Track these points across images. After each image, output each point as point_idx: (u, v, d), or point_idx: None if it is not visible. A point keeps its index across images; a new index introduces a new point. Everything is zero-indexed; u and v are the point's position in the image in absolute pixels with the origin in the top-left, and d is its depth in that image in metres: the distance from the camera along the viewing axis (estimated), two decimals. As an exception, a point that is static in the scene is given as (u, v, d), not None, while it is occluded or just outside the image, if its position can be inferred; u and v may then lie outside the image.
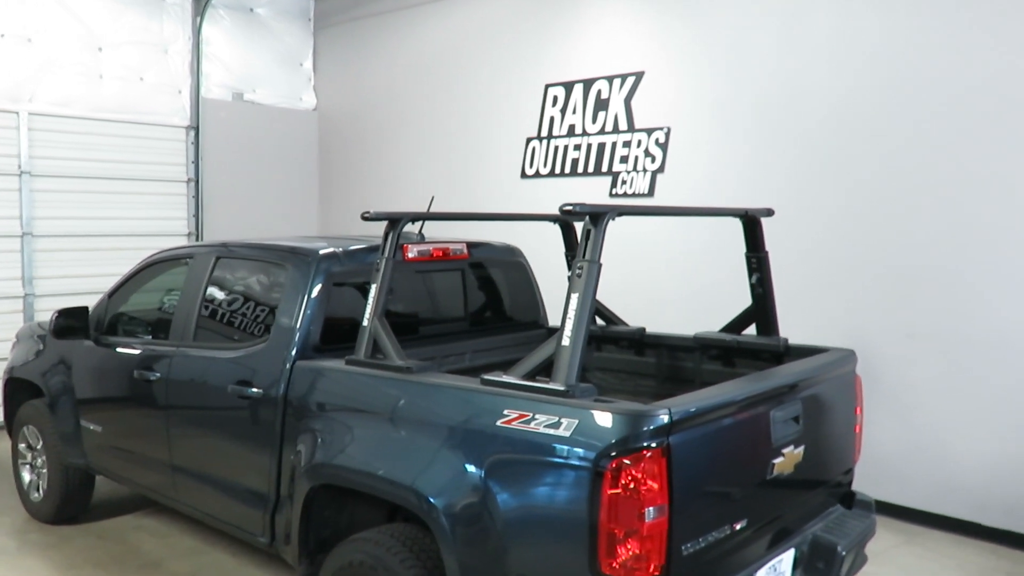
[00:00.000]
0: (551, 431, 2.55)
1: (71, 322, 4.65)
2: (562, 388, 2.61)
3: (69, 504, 5.09)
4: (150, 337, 4.47)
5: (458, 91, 8.07)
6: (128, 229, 8.15)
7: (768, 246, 3.78)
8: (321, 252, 3.68)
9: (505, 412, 2.68)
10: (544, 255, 5.10)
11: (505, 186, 7.59)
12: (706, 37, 6.24)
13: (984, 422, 5.02)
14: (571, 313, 2.67)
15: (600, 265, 2.71)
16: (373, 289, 3.37)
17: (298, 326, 3.53)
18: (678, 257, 6.35)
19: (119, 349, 4.53)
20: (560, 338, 2.67)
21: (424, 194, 8.18)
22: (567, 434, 2.52)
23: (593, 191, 6.87)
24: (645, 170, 6.59)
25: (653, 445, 2.41)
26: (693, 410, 2.53)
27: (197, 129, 8.65)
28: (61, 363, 4.91)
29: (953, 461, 5.13)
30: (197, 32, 8.60)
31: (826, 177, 5.59)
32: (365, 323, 3.34)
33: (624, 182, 6.72)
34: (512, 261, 4.56)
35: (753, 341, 3.77)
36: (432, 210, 4.06)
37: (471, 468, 2.71)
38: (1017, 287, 4.84)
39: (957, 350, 5.08)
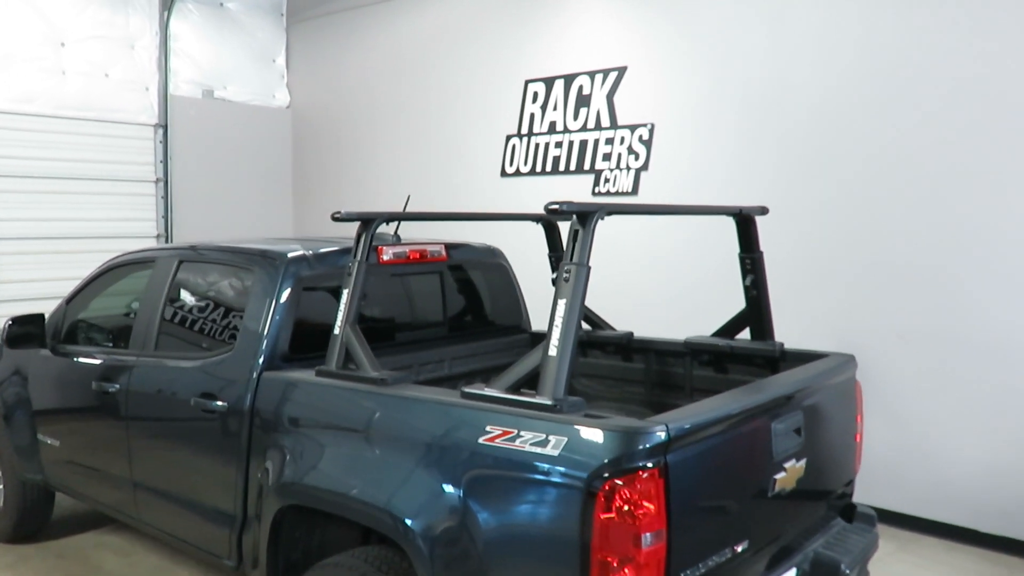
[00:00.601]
0: (537, 449, 2.35)
1: (26, 330, 4.38)
2: (549, 402, 2.41)
3: (27, 521, 4.82)
4: (111, 346, 4.22)
5: (436, 87, 7.86)
6: (94, 231, 7.85)
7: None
8: (290, 255, 3.46)
9: (488, 428, 2.48)
10: (527, 256, 4.90)
11: (485, 185, 7.39)
12: (690, 31, 6.07)
13: (979, 425, 4.88)
14: (558, 320, 2.47)
15: (589, 268, 2.51)
16: (345, 294, 3.15)
17: (265, 334, 3.31)
18: (663, 256, 6.17)
19: (77, 359, 4.28)
20: (547, 347, 2.47)
21: (401, 193, 7.94)
22: (555, 453, 2.31)
23: (575, 190, 6.68)
24: (629, 168, 6.41)
25: (649, 465, 2.22)
26: (691, 425, 2.33)
27: (166, 127, 8.37)
28: (16, 373, 4.64)
29: (947, 465, 4.99)
30: (165, 27, 8.32)
31: (813, 173, 5.43)
32: (336, 331, 3.13)
33: (607, 180, 6.54)
34: (493, 263, 4.35)
35: (747, 346, 3.60)
36: (408, 210, 3.85)
37: (450, 488, 2.51)
38: (1012, 286, 4.71)
39: (950, 351, 4.94)
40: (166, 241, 8.42)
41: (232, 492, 3.33)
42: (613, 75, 6.52)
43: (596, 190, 6.60)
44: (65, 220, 7.72)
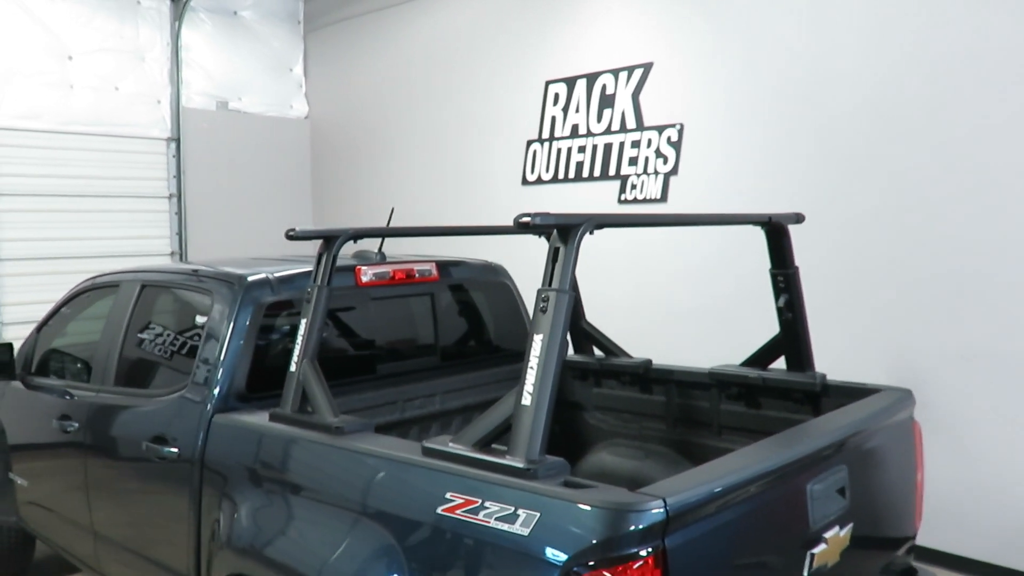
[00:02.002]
0: (504, 526, 1.86)
1: (-8, 361, 4.04)
2: (521, 465, 1.92)
3: (5, 565, 4.48)
4: (74, 378, 3.85)
5: (455, 92, 7.43)
6: (105, 250, 7.56)
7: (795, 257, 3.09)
8: (249, 278, 3.03)
9: (447, 496, 2.00)
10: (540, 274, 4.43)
11: (505, 194, 6.92)
12: (721, 22, 5.53)
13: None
14: (533, 361, 1.99)
15: (573, 295, 2.02)
16: (303, 325, 2.71)
17: (220, 370, 2.88)
18: (692, 269, 5.63)
19: (42, 392, 3.92)
20: (520, 395, 1.99)
21: (423, 205, 7.65)
22: (524, 532, 1.83)
23: (600, 197, 6.18)
24: (657, 172, 5.88)
25: (643, 553, 1.72)
26: (697, 499, 1.82)
27: (178, 141, 8.07)
28: (-12, 407, 4.31)
29: (1019, 505, 4.35)
30: (176, 38, 8.03)
31: (859, 175, 4.85)
32: (292, 368, 2.68)
33: (634, 186, 6.02)
34: (493, 282, 3.87)
35: (782, 378, 3.06)
36: (409, 224, 3.41)
37: (401, 570, 2.03)
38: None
39: (1019, 373, 4.30)
40: (181, 258, 8.13)
41: (184, 550, 2.90)
42: (638, 72, 6.01)
43: (622, 197, 6.08)
44: (74, 239, 7.45)
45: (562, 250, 2.03)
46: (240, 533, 2.56)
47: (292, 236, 2.74)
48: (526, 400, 1.97)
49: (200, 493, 2.81)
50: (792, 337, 3.00)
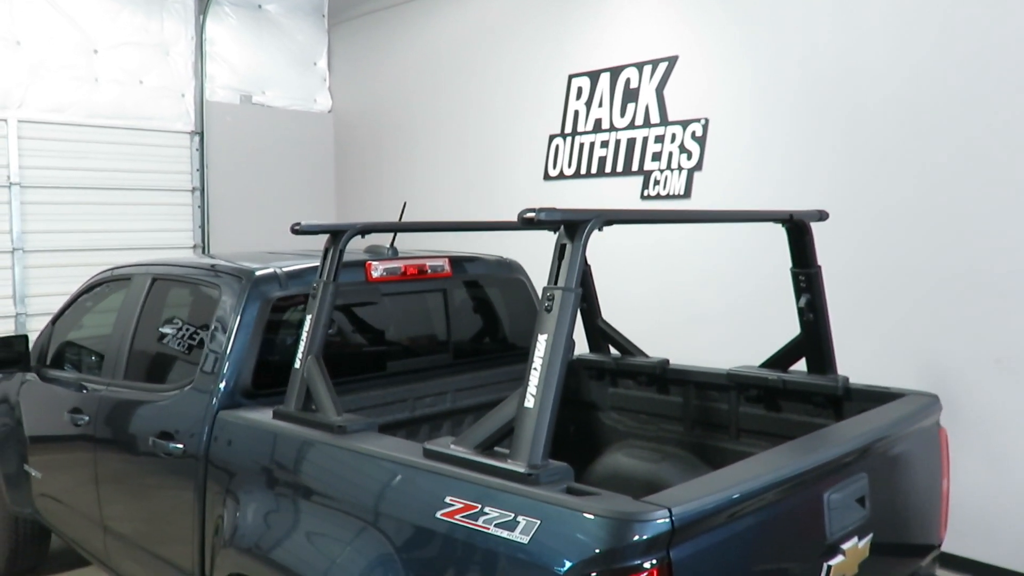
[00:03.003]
0: (503, 533, 1.79)
1: (8, 353, 4.03)
2: (522, 470, 1.85)
3: (20, 557, 4.49)
4: (86, 372, 3.84)
5: (478, 85, 7.36)
6: (128, 243, 7.59)
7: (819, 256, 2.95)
8: (257, 272, 2.98)
9: (447, 500, 1.93)
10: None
11: (526, 189, 6.83)
12: (747, 15, 5.40)
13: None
14: (537, 362, 1.92)
15: (579, 293, 1.95)
16: (308, 321, 2.66)
17: (226, 365, 2.84)
18: (714, 268, 5.51)
19: (56, 385, 3.91)
20: (523, 397, 1.91)
21: (444, 200, 7.59)
22: (524, 539, 1.75)
23: (623, 193, 6.08)
24: (681, 168, 5.77)
25: (647, 565, 1.64)
26: (704, 509, 1.73)
27: (202, 135, 8.08)
28: (5, 400, 4.31)
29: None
30: (200, 31, 8.04)
31: (887, 171, 4.70)
32: (297, 365, 2.63)
33: (657, 183, 5.91)
34: (509, 278, 3.79)
35: (803, 381, 2.95)
36: (411, 219, 3.34)
37: (396, 574, 1.97)
38: None
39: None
40: (203, 252, 8.15)
41: (189, 548, 2.87)
42: (663, 66, 5.89)
43: (645, 193, 5.98)
44: (98, 232, 7.49)
45: (568, 247, 1.95)
46: (242, 532, 2.52)
47: (298, 230, 2.68)
48: (529, 402, 1.89)
49: (204, 491, 2.77)
50: (814, 339, 2.89)
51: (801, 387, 2.95)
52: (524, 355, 3.72)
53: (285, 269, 3.04)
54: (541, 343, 1.91)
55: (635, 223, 2.43)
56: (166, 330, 3.32)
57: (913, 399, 2.64)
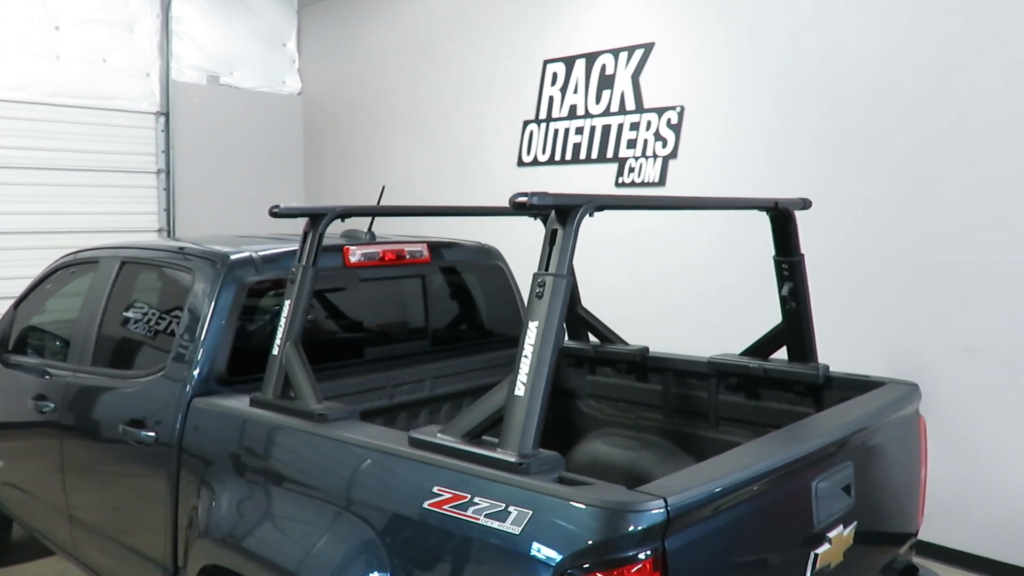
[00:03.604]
0: (494, 523, 1.76)
1: (-34, 338, 3.91)
2: (513, 459, 1.82)
3: (-19, 547, 4.37)
4: (51, 357, 3.72)
5: (451, 70, 7.27)
6: (91, 225, 7.39)
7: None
8: (232, 256, 2.90)
9: (434, 490, 1.89)
10: (534, 256, 4.31)
11: (500, 175, 6.78)
12: (724, 3, 5.38)
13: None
14: (527, 349, 1.88)
15: (571, 280, 1.91)
16: (286, 307, 2.59)
17: (199, 351, 2.76)
18: (692, 257, 5.51)
19: (20, 371, 3.79)
20: (513, 384, 1.88)
21: (417, 185, 7.50)
22: (515, 530, 1.72)
23: (597, 179, 6.05)
24: (656, 155, 5.76)
25: (641, 556, 1.61)
26: (699, 498, 1.71)
27: (167, 115, 7.90)
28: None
29: (1021, 499, 4.28)
30: (166, 9, 7.84)
31: (864, 161, 4.73)
32: (275, 351, 2.56)
33: (632, 169, 5.89)
34: (487, 264, 3.75)
35: (784, 369, 2.95)
36: (402, 203, 3.28)
37: (383, 566, 1.92)
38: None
39: (1025, 365, 4.22)
40: (168, 235, 7.98)
41: (162, 538, 2.80)
42: (639, 53, 5.87)
43: (620, 180, 5.95)
44: (60, 214, 7.29)
45: (560, 232, 1.92)
46: (218, 523, 2.45)
47: (276, 213, 2.61)
48: (519, 391, 1.86)
49: (177, 480, 2.70)
50: (795, 327, 2.89)
51: (782, 375, 2.95)
52: (502, 342, 3.73)
53: (261, 253, 2.96)
54: (532, 330, 1.87)
55: (627, 208, 2.40)
56: (136, 315, 3.23)
57: (894, 387, 2.65)
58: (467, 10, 7.11)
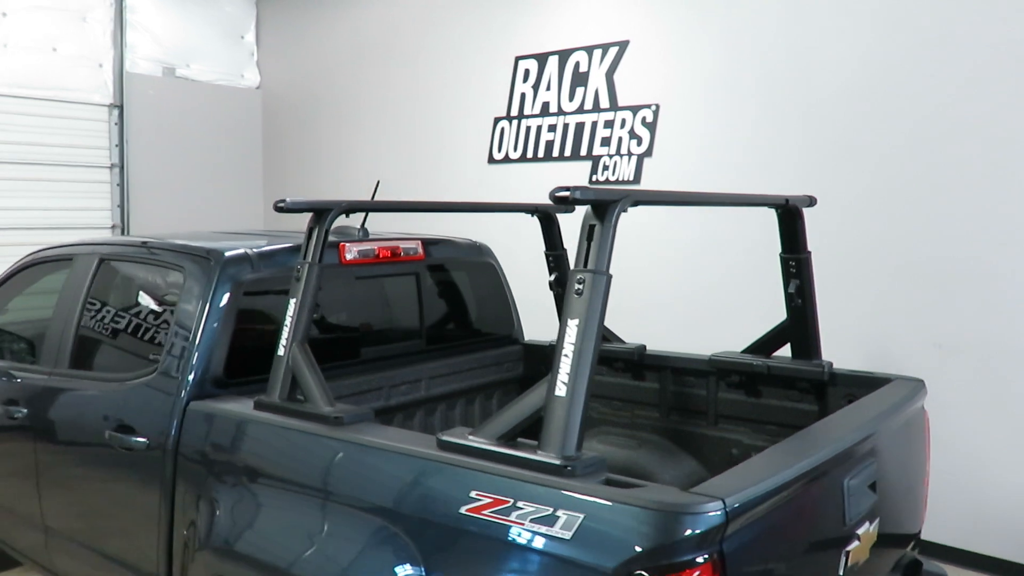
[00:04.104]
0: (542, 528, 1.70)
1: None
2: (557, 462, 1.76)
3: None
4: (22, 360, 3.53)
5: (419, 65, 7.16)
6: (42, 222, 7.11)
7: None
8: (227, 253, 2.79)
9: (472, 495, 1.83)
10: (515, 254, 4.25)
11: (470, 172, 6.71)
12: (700, 0, 5.40)
13: (1029, 446, 4.29)
14: (568, 348, 1.82)
15: (610, 277, 1.87)
16: (291, 305, 2.49)
17: (195, 353, 2.64)
18: (670, 254, 5.52)
19: (-15, 374, 3.59)
20: (553, 385, 1.82)
21: (386, 182, 7.34)
22: (566, 535, 1.67)
23: (571, 178, 6.01)
24: (630, 154, 5.75)
25: (699, 559, 1.58)
26: (755, 497, 1.68)
27: (121, 108, 7.62)
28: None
29: (991, 491, 4.39)
30: (120, -2, 7.57)
31: (840, 160, 4.79)
32: (280, 352, 2.46)
33: (606, 168, 5.88)
34: (479, 262, 3.69)
35: (789, 366, 2.96)
36: (379, 198, 3.18)
37: (418, 573, 1.85)
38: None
39: (995, 362, 4.32)
40: (123, 232, 7.70)
41: (154, 550, 2.67)
42: (613, 50, 5.86)
43: (594, 178, 5.94)
44: (9, 210, 6.98)
45: (598, 228, 1.87)
46: (223, 532, 2.34)
47: (281, 208, 2.51)
48: (560, 391, 1.80)
49: (173, 487, 2.58)
50: (800, 324, 2.90)
51: (786, 372, 2.96)
52: (494, 341, 3.67)
53: (256, 250, 2.85)
54: (572, 328, 1.82)
55: (660, 204, 2.38)
56: (120, 315, 3.08)
57: (903, 384, 2.68)
58: (436, 3, 7.01)
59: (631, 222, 5.64)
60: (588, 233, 1.88)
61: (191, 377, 2.62)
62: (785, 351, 3.06)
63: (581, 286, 1.84)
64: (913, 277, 4.56)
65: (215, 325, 2.66)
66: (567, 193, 1.80)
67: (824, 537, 2.01)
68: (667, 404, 3.36)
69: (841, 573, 2.04)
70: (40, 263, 3.65)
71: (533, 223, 3.67)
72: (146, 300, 3.04)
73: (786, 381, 2.98)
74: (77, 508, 3.08)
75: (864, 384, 2.75)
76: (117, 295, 3.16)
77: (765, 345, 3.04)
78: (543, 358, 3.68)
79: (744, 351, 3.11)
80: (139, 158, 7.75)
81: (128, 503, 2.79)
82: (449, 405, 3.40)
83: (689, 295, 5.41)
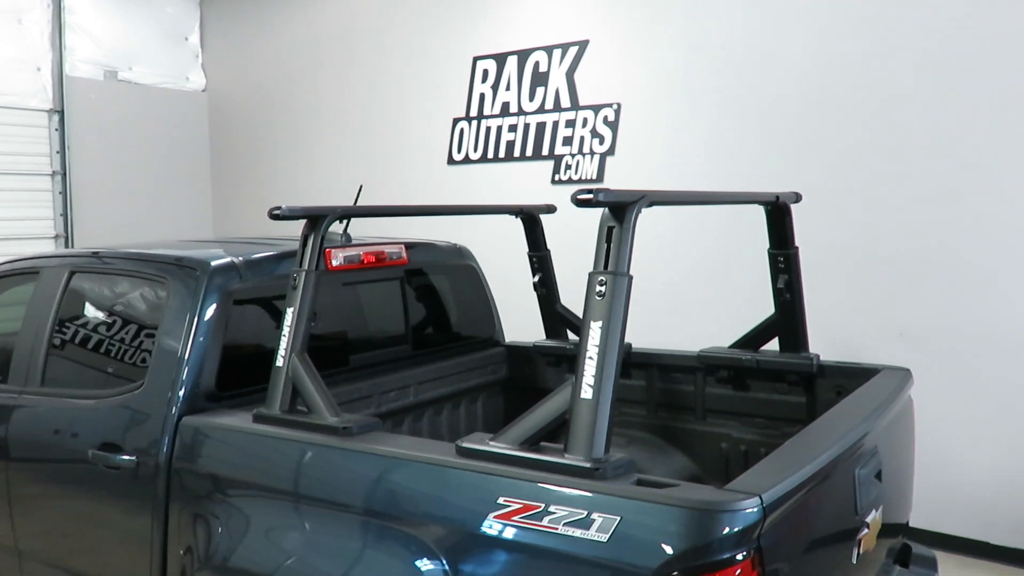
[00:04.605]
0: (576, 532, 1.69)
1: None
2: (587, 465, 1.76)
3: None
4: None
5: (374, 66, 7.08)
6: (-21, 232, 6.84)
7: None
8: (214, 263, 2.71)
9: (500, 501, 1.81)
10: (483, 255, 4.23)
11: (430, 174, 6.66)
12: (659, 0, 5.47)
13: (989, 430, 4.44)
14: (592, 351, 1.82)
15: (631, 278, 1.87)
16: (289, 314, 2.43)
17: (185, 366, 2.56)
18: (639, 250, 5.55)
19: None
20: (578, 388, 1.82)
21: (340, 187, 7.23)
22: (603, 538, 1.66)
23: (533, 178, 6.04)
24: (593, 152, 5.79)
25: (739, 556, 1.59)
26: (787, 491, 1.71)
27: (62, 113, 7.36)
28: None
29: (955, 474, 4.54)
30: (57, -1, 7.30)
31: (802, 155, 4.90)
32: (280, 362, 2.40)
33: (569, 167, 5.90)
34: (461, 265, 3.66)
35: (778, 360, 3.01)
36: (359, 203, 3.13)
37: (449, 584, 1.83)
38: (1026, 278, 4.26)
39: (957, 350, 4.47)
40: (67, 243, 7.43)
41: (143, 569, 2.57)
42: (573, 50, 5.88)
43: (556, 178, 5.96)
44: (-58, 220, 6.69)
45: (617, 230, 1.87)
46: (227, 554, 2.27)
47: (277, 216, 2.44)
48: (586, 393, 1.80)
49: (166, 507, 2.49)
50: (789, 318, 2.96)
51: (776, 366, 3.01)
52: (478, 344, 3.64)
53: (243, 258, 2.77)
54: (596, 330, 1.81)
55: (676, 204, 2.41)
56: (97, 330, 2.96)
57: (894, 373, 2.75)
58: (392, 3, 6.94)
59: (589, 223, 5.67)
60: (607, 235, 1.88)
61: (182, 392, 2.53)
62: (771, 345, 3.11)
63: (603, 288, 1.84)
64: (876, 268, 4.68)
65: (205, 337, 2.58)
66: (591, 196, 1.80)
67: (841, 527, 2.05)
68: (654, 401, 3.39)
69: (854, 561, 2.09)
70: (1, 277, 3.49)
71: (498, 222, 3.65)
72: (125, 314, 2.93)
73: (775, 375, 3.03)
74: (53, 529, 2.95)
75: (853, 375, 2.82)
76: (92, 309, 3.04)
77: (753, 340, 3.09)
78: (526, 360, 3.67)
79: (732, 346, 3.16)
80: (82, 165, 7.50)
81: (113, 524, 2.69)
82: (436, 410, 3.37)
83: (651, 294, 5.46)
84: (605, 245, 1.87)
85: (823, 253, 4.83)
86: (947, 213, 4.45)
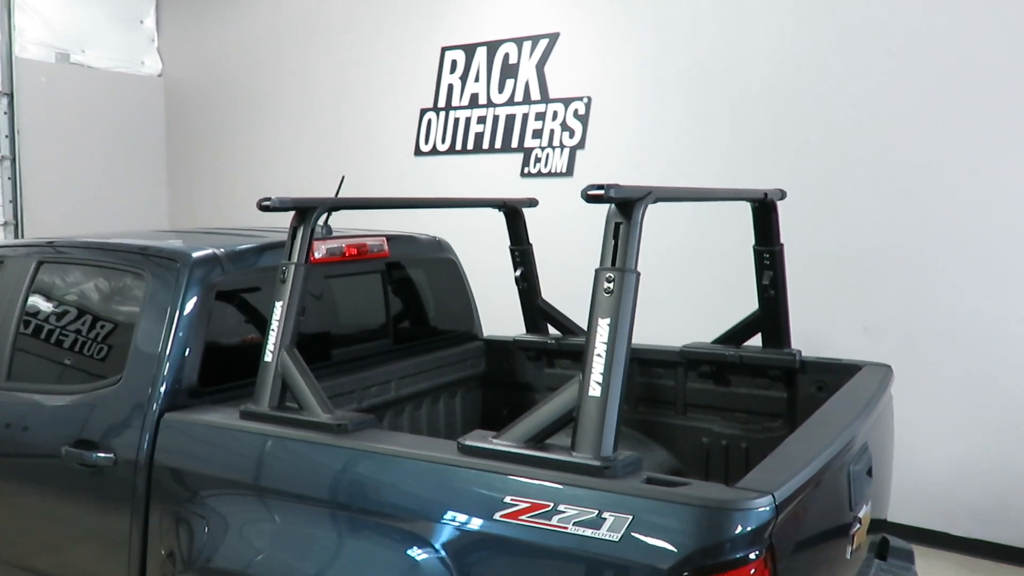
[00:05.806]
0: (588, 532, 1.68)
1: None
2: (596, 463, 1.75)
3: None
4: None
5: (339, 53, 6.96)
6: (-77, 220, 6.56)
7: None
8: (195, 254, 2.62)
9: (507, 500, 1.78)
10: (460, 248, 4.20)
11: (396, 165, 6.58)
12: (630, -6, 5.48)
13: (949, 422, 4.57)
14: (599, 348, 1.80)
15: (639, 275, 1.86)
16: (278, 308, 2.37)
17: (166, 361, 2.47)
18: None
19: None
20: (585, 385, 1.80)
21: (303, 177, 7.12)
22: (615, 537, 1.65)
23: (502, 170, 6.01)
24: (563, 146, 5.78)
25: (752, 555, 1.59)
26: (797, 488, 1.71)
27: (11, 96, 7.10)
28: None
29: (916, 466, 4.65)
30: (6, -23, 7.03)
31: (769, 149, 4.95)
32: (268, 357, 2.34)
33: (539, 160, 5.89)
34: (440, 259, 3.62)
35: (761, 355, 3.04)
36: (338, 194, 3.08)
37: (454, 585, 1.81)
38: (985, 274, 4.37)
39: (919, 344, 4.58)
40: (16, 231, 7.17)
41: (123, 567, 2.49)
42: (544, 43, 5.86)
43: (526, 170, 5.94)
44: None
45: (624, 226, 1.86)
46: (212, 555, 2.20)
47: (266, 207, 2.37)
48: (594, 391, 1.79)
49: (147, 507, 2.41)
50: (772, 314, 2.98)
51: (759, 361, 3.03)
52: (457, 338, 3.61)
53: (225, 250, 2.69)
54: (603, 327, 1.80)
55: (682, 200, 2.40)
56: (68, 323, 2.85)
57: (876, 369, 2.79)
58: (356, -9, 6.83)
59: (561, 215, 5.67)
60: (614, 231, 1.86)
61: (163, 388, 2.45)
62: (754, 341, 3.14)
63: (611, 284, 1.82)
64: (840, 263, 4.76)
65: (186, 332, 2.50)
66: (601, 191, 1.78)
67: (838, 523, 2.07)
68: (635, 395, 3.39)
69: (848, 556, 2.12)
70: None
71: (469, 216, 3.60)
72: (98, 306, 2.83)
73: (757, 370, 3.06)
74: (24, 533, 2.84)
75: (834, 371, 2.85)
76: (64, 301, 2.93)
77: (736, 335, 3.11)
78: (506, 354, 3.65)
79: (714, 341, 3.17)
80: (32, 150, 7.24)
81: (87, 524, 2.59)
82: (416, 405, 3.33)
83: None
84: (612, 241, 1.86)
85: (788, 248, 4.88)
86: (909, 213, 4.55)
